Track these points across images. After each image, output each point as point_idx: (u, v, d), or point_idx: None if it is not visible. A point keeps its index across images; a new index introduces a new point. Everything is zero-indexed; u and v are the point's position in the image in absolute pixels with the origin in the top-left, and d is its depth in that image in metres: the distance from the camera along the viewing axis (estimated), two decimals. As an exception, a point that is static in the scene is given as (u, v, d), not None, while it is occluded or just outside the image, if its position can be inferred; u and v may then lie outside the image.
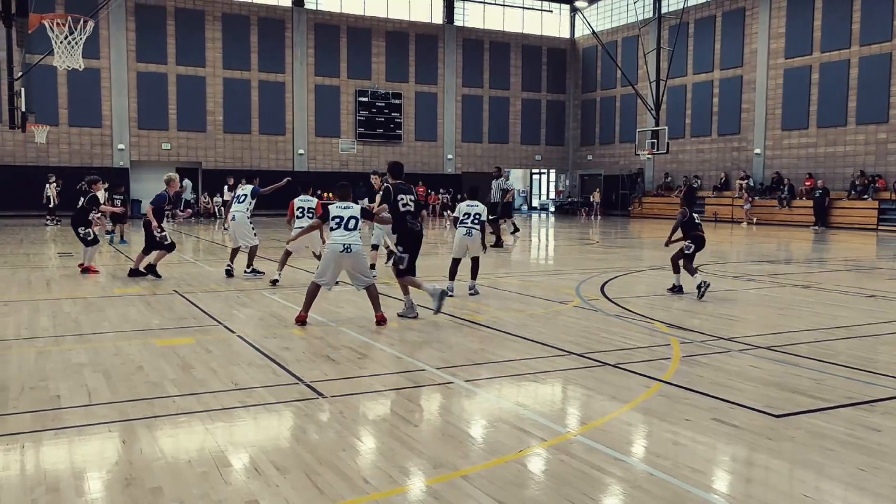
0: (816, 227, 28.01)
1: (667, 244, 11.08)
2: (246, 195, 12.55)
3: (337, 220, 8.02)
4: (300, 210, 11.66)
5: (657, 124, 32.60)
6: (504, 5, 41.29)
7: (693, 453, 4.45)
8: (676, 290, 10.87)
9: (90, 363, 6.43)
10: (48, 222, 25.34)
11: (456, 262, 10.62)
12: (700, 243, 10.78)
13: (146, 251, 12.02)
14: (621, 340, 7.57)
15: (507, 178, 20.57)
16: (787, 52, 31.95)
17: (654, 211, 36.52)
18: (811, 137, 31.22)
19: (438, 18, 39.71)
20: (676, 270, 10.97)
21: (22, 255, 15.94)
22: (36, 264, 14.17)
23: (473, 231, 10.42)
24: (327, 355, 6.83)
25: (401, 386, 5.87)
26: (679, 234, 10.87)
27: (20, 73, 22.55)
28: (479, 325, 8.41)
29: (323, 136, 37.11)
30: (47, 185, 25.83)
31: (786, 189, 30.73)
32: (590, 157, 42.61)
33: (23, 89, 22.94)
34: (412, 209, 8.59)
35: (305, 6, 36.39)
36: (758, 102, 33.13)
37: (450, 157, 40.08)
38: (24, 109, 22.93)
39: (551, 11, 42.83)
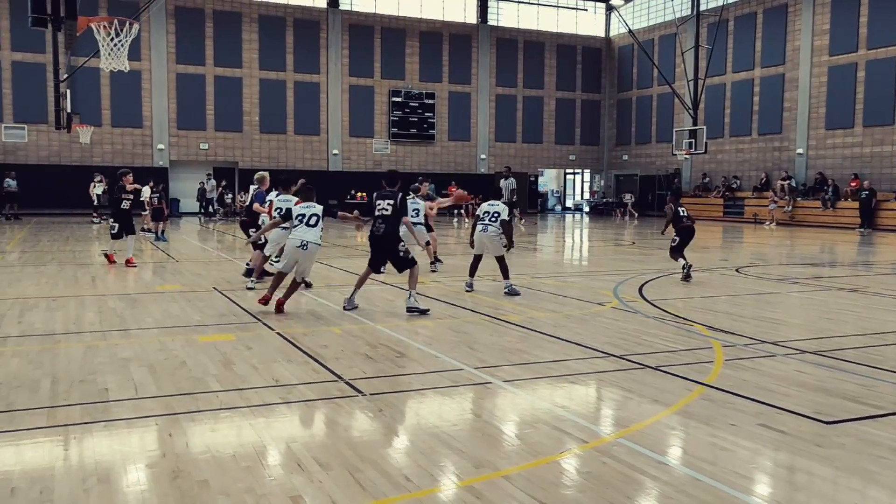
0: (862, 230, 27.26)
1: (662, 233, 13.76)
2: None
3: (299, 217, 8.90)
4: (277, 210, 10.73)
5: (695, 124, 32.16)
6: (538, 4, 41.08)
7: (738, 458, 4.38)
8: (685, 275, 12.23)
9: (136, 358, 6.57)
10: (94, 220, 25.84)
11: (476, 259, 11.08)
12: (685, 234, 12.64)
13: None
14: (661, 343, 7.49)
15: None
16: (831, 49, 31.22)
17: (692, 212, 36.00)
18: (857, 137, 30.47)
19: (472, 18, 39.70)
20: (675, 258, 12.71)
21: (68, 252, 16.33)
22: (82, 261, 14.49)
23: (489, 227, 10.70)
24: (365, 353, 6.87)
25: (439, 385, 5.89)
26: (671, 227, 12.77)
27: (66, 76, 23.07)
28: (516, 325, 8.39)
29: (357, 136, 37.34)
30: (92, 184, 26.38)
31: (830, 190, 29.98)
32: (625, 157, 42.21)
33: (68, 91, 23.48)
34: (387, 213, 9.07)
35: (340, 7, 36.66)
36: (800, 101, 32.46)
37: (483, 157, 40.03)
38: (69, 111, 23.47)
39: (586, 10, 42.52)
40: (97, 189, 25.88)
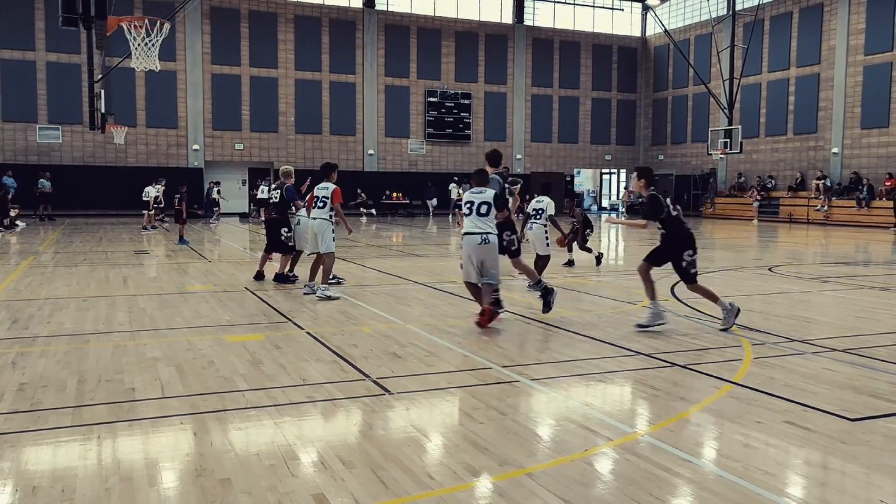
0: (897, 229, 26.78)
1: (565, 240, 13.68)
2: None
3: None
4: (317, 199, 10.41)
5: (730, 123, 31.73)
6: (574, 4, 40.84)
7: (765, 456, 4.31)
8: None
9: (164, 357, 6.64)
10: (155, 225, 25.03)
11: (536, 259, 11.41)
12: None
13: (267, 251, 11.80)
14: (691, 341, 7.38)
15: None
16: (867, 48, 30.69)
17: (727, 212, 35.55)
18: (892, 136, 29.92)
19: (508, 18, 39.59)
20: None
21: (101, 252, 16.60)
22: (114, 262, 14.71)
23: (534, 225, 11.35)
24: (394, 353, 6.86)
25: (467, 384, 5.86)
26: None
27: (100, 76, 23.45)
28: (547, 324, 8.33)
29: (392, 136, 37.45)
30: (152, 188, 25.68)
31: (864, 189, 29.52)
32: (661, 157, 41.75)
33: (102, 91, 23.81)
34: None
35: (376, 7, 36.80)
36: (836, 100, 31.90)
37: (519, 156, 39.88)
38: (103, 111, 23.81)
39: (622, 10, 42.15)
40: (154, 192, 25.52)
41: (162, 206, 24.77)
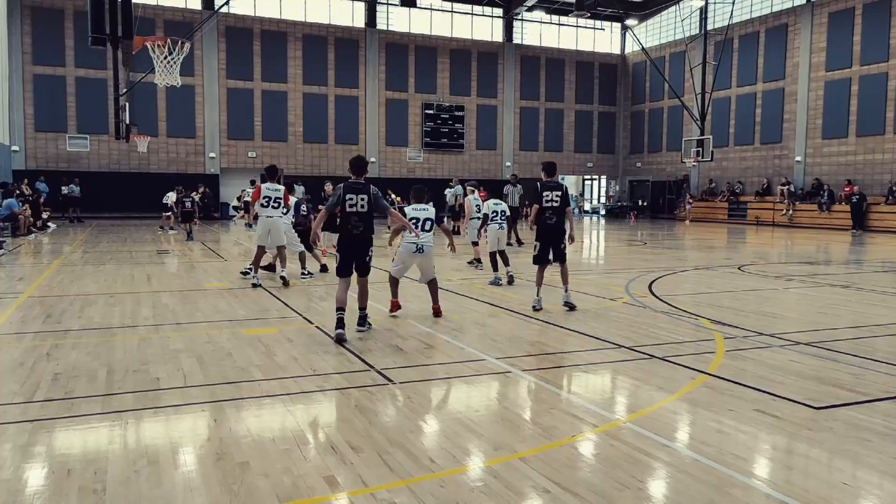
0: (854, 231, 26.88)
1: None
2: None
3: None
4: (265, 199, 10.73)
5: (702, 134, 31.78)
6: (559, 24, 40.91)
7: (736, 441, 4.34)
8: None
9: (185, 349, 6.63)
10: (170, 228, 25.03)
11: (494, 255, 11.56)
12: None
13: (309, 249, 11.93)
14: (668, 335, 7.40)
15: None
16: (828, 65, 30.81)
17: (699, 215, 35.65)
18: (850, 146, 30.04)
19: (499, 37, 39.60)
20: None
21: (126, 252, 16.54)
22: (138, 261, 14.67)
23: (504, 225, 11.70)
24: (397, 345, 6.87)
25: (463, 374, 5.87)
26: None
27: (125, 90, 23.39)
28: (535, 319, 8.34)
29: (393, 145, 37.46)
30: (173, 192, 25.62)
31: (826, 194, 29.69)
32: (638, 164, 41.83)
33: (127, 104, 23.77)
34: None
35: (378, 27, 36.79)
36: (799, 113, 32.03)
37: (508, 164, 39.90)
38: (127, 122, 23.77)
39: (603, 30, 42.18)
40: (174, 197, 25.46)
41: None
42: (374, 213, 7.26)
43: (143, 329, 7.60)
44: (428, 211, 8.26)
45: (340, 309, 7.04)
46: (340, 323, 6.98)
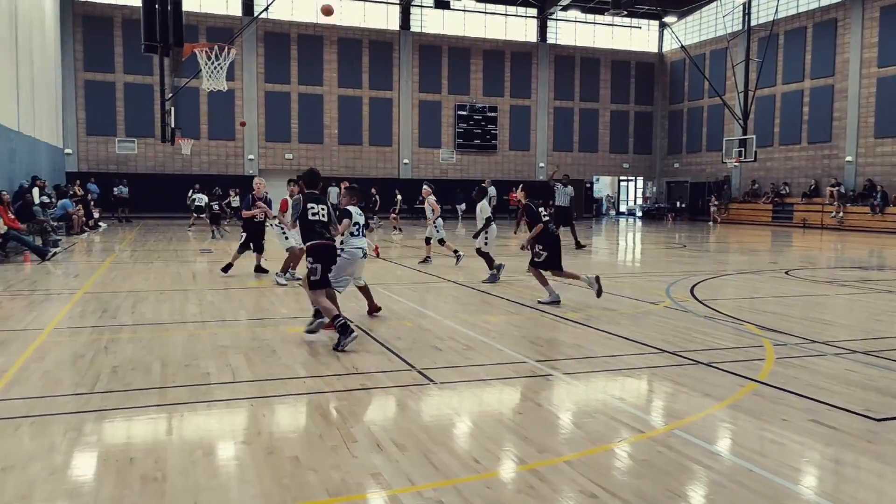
0: (909, 234, 26.05)
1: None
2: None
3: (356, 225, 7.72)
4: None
5: (745, 133, 31.22)
6: (595, 23, 40.62)
7: (791, 452, 4.24)
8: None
9: (232, 346, 6.77)
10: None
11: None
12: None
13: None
14: (713, 340, 7.30)
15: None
16: (880, 61, 29.95)
17: (741, 217, 35.02)
18: (904, 145, 29.19)
19: (533, 37, 39.49)
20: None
21: (171, 251, 16.95)
22: (184, 259, 15.02)
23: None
24: (435, 346, 6.91)
25: (504, 376, 5.89)
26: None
27: (170, 95, 23.93)
28: (573, 321, 8.31)
29: (426, 146, 37.63)
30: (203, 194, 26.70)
31: (878, 196, 28.77)
32: (676, 165, 41.28)
33: (172, 108, 24.38)
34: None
35: (411, 29, 37.00)
36: (850, 111, 31.17)
37: (542, 165, 39.74)
38: (172, 126, 24.36)
39: (640, 27, 41.77)
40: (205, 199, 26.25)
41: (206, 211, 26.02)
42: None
43: (192, 325, 7.79)
44: (363, 215, 7.91)
45: (338, 315, 6.77)
46: (347, 326, 6.68)
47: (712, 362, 6.32)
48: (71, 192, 23.83)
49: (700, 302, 9.77)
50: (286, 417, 4.73)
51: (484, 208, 12.40)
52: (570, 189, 19.27)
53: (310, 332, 7.30)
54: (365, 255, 7.74)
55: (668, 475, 3.85)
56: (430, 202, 14.54)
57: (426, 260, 14.58)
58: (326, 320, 7.02)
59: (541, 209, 9.55)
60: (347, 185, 8.36)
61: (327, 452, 4.11)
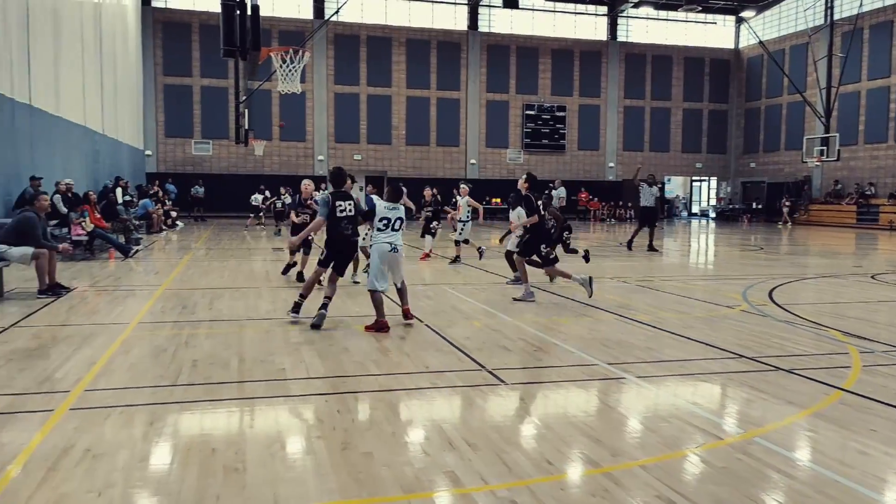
0: None
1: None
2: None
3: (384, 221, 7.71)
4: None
5: (827, 131, 29.94)
6: (667, 20, 39.72)
7: (878, 463, 4.05)
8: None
9: (305, 342, 6.94)
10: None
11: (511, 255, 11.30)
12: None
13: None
14: (794, 346, 7.03)
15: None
16: (975, 53, 28.22)
17: (822, 219, 33.55)
18: None
19: (602, 35, 38.93)
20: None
21: (245, 249, 17.49)
22: (257, 257, 15.46)
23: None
24: (505, 346, 6.90)
25: (576, 378, 5.83)
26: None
27: (244, 98, 24.72)
28: (645, 324, 8.15)
29: (493, 146, 37.61)
30: (259, 195, 28.16)
31: (974, 197, 27.09)
32: (753, 165, 39.92)
33: (246, 111, 25.20)
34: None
35: (479, 29, 37.05)
36: (942, 107, 29.51)
37: (611, 165, 39.14)
38: (246, 128, 25.17)
39: (715, 23, 40.59)
40: (261, 198, 27.76)
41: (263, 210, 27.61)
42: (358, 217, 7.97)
43: (266, 322, 8.01)
44: (399, 210, 7.80)
45: (324, 303, 7.66)
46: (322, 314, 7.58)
47: (793, 369, 6.09)
48: (151, 192, 24.94)
49: (779, 306, 9.43)
50: (359, 413, 4.81)
51: (521, 215, 11.86)
52: (654, 189, 18.76)
53: (314, 326, 7.60)
54: (395, 249, 7.61)
55: (748, 483, 3.74)
56: (469, 201, 14.47)
57: (456, 259, 14.46)
58: (325, 312, 7.67)
59: (539, 202, 9.79)
60: (372, 188, 8.70)
61: (400, 449, 4.16)
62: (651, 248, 17.78)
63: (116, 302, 9.29)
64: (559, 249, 11.88)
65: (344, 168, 8.23)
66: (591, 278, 9.60)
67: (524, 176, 10.00)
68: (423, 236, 15.85)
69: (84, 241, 14.44)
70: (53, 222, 14.04)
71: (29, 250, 9.50)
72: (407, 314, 7.93)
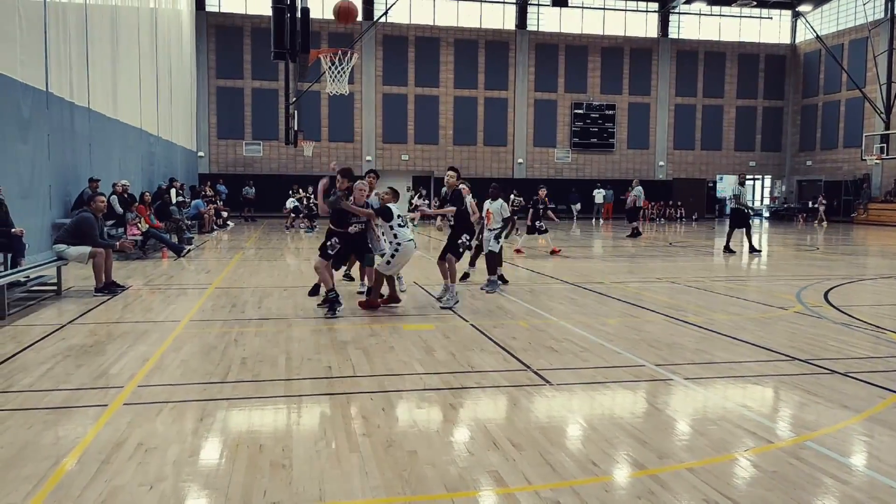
0: None
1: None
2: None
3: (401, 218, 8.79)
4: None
5: (888, 128, 28.88)
6: (721, 16, 38.83)
7: (942, 472, 3.89)
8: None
9: (352, 341, 7.02)
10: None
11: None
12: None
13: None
14: (850, 349, 6.81)
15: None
16: None
17: (882, 218, 32.34)
18: None
19: (653, 32, 38.30)
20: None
21: (293, 249, 17.80)
22: (305, 257, 15.69)
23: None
24: (550, 346, 6.86)
25: (622, 379, 5.77)
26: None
27: (294, 99, 25.19)
28: (694, 325, 8.00)
29: (540, 146, 37.40)
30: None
31: None
32: (809, 163, 38.74)
33: (295, 112, 25.66)
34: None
35: (528, 28, 36.87)
36: None
37: (661, 163, 38.49)
38: (296, 129, 25.63)
39: (770, 18, 39.52)
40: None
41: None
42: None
43: (318, 321, 8.12)
44: (399, 208, 8.94)
45: (332, 289, 8.41)
46: (337, 300, 8.36)
47: (849, 372, 5.90)
48: (203, 193, 25.58)
49: (835, 308, 9.14)
50: (404, 412, 4.85)
51: (504, 209, 11.22)
52: (744, 190, 18.62)
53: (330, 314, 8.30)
54: (416, 246, 8.85)
55: (800, 488, 3.64)
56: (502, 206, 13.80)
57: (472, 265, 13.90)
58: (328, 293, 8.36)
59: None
60: (390, 189, 9.02)
61: (444, 448, 4.18)
62: (752, 248, 17.42)
63: (169, 300, 9.56)
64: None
65: (352, 168, 9.38)
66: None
67: (453, 172, 9.59)
68: (529, 234, 17.00)
69: (138, 241, 14.91)
70: (110, 222, 14.53)
71: (86, 249, 9.86)
72: (393, 300, 8.97)
